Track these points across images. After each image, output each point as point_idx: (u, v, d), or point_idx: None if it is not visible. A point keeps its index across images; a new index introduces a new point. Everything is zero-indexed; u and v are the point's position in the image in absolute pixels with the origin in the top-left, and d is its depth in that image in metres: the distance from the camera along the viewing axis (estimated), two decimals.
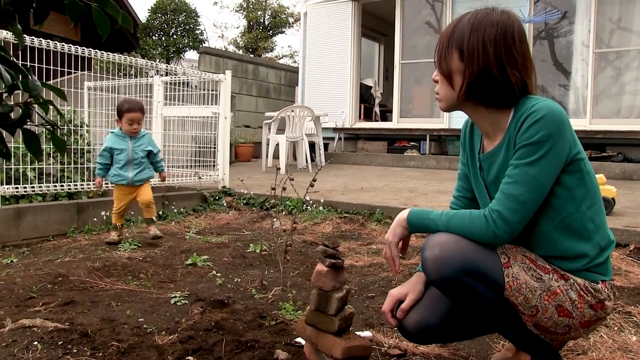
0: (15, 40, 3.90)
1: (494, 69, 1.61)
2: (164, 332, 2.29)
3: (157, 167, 4.45)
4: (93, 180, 4.97)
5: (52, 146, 4.24)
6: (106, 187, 5.00)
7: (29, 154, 4.69)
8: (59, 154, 4.92)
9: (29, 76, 1.15)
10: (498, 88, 1.63)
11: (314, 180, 2.93)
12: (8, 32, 3.75)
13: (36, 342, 2.10)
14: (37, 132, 1.20)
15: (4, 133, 1.22)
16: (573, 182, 1.62)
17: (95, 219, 4.69)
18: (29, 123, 1.19)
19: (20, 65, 1.13)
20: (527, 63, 1.65)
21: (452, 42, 1.66)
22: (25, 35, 3.62)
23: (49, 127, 1.19)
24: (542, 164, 1.56)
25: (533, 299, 1.59)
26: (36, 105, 1.22)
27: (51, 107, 1.27)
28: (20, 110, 1.17)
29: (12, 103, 1.16)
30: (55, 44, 4.47)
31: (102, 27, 1.19)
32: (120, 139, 4.19)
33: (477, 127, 1.82)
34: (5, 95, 1.17)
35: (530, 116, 1.56)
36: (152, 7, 13.93)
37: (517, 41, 1.62)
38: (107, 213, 4.79)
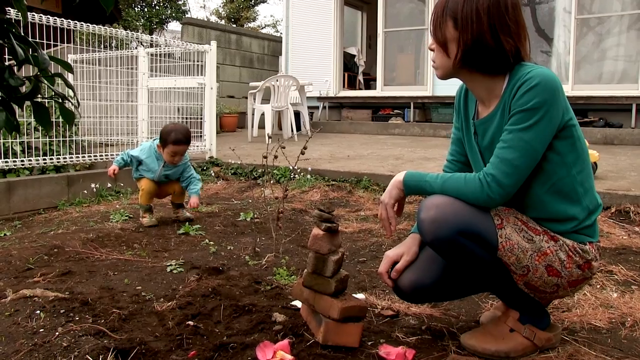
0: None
1: (487, 37, 1.65)
2: (162, 299, 2.34)
3: (188, 188, 3.94)
4: (80, 154, 4.97)
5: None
6: (96, 160, 5.00)
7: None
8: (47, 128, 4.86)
9: (38, 50, 1.18)
10: (492, 55, 1.67)
11: (305, 147, 2.96)
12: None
13: (38, 311, 2.14)
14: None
15: None
16: (565, 148, 1.69)
17: (85, 192, 4.70)
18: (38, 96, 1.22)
19: (30, 40, 1.15)
20: (520, 30, 1.69)
21: (446, 11, 1.69)
22: (10, 9, 3.56)
23: (57, 99, 1.22)
24: (536, 130, 1.61)
25: (524, 259, 1.66)
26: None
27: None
28: (31, 83, 1.19)
29: (22, 77, 1.19)
30: (41, 16, 4.40)
31: (106, 0, 1.21)
32: (154, 158, 3.81)
33: (471, 93, 1.86)
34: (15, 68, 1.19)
35: (525, 83, 1.61)
36: None
37: (510, 9, 1.66)
38: (97, 185, 4.80)
